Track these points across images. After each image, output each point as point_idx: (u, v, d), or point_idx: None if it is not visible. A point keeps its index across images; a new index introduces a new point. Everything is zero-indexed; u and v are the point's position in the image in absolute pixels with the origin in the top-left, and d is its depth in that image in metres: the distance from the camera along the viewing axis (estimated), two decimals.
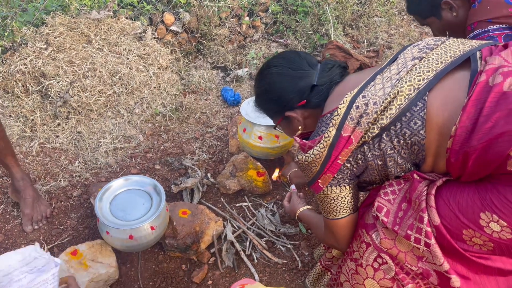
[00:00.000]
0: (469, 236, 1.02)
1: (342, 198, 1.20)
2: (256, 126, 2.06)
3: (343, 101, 1.11)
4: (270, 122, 2.05)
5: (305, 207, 1.72)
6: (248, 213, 2.05)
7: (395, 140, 1.07)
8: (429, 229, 1.06)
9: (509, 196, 0.94)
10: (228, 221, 1.98)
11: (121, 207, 1.71)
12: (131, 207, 1.71)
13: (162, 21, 3.01)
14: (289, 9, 3.58)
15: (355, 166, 1.15)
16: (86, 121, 2.42)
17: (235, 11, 3.27)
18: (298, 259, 1.85)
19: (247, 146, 2.13)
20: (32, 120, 2.36)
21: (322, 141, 1.12)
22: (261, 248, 1.89)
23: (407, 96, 1.05)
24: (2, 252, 1.83)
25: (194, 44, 3.18)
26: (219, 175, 2.17)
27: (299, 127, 1.35)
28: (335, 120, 1.11)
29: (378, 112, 1.06)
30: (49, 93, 2.37)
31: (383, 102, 1.06)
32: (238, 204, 2.09)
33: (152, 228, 1.68)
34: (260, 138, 2.06)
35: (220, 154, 2.39)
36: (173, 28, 3.04)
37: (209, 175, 2.20)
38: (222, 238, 1.91)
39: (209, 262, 1.86)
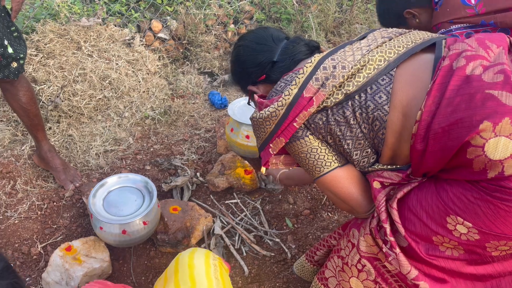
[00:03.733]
0: (440, 241, 1.02)
1: (317, 149, 1.13)
2: (243, 125, 2.14)
3: (310, 60, 1.08)
4: None
5: (281, 170, 1.83)
6: (236, 209, 2.13)
7: (358, 111, 1.05)
8: (392, 239, 1.06)
9: (469, 195, 0.93)
10: (218, 217, 2.05)
11: (114, 203, 1.77)
12: (123, 203, 1.77)
13: (150, 28, 3.09)
14: (273, 16, 3.70)
15: (312, 127, 1.10)
16: (77, 124, 2.48)
17: (220, 18, 3.37)
18: (286, 250, 1.92)
19: (235, 145, 2.21)
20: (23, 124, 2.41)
21: (281, 99, 1.08)
22: (249, 242, 1.96)
23: (376, 66, 1.04)
24: None
25: (181, 50, 3.26)
26: (208, 174, 2.24)
27: None
28: (298, 78, 1.07)
29: (345, 77, 1.04)
30: (40, 97, 2.42)
31: (352, 67, 1.04)
32: (227, 201, 2.17)
33: (144, 223, 1.74)
34: (247, 137, 2.15)
35: (209, 155, 2.46)
36: (160, 35, 3.13)
37: (198, 174, 2.28)
38: (211, 233, 1.98)
39: None
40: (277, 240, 1.98)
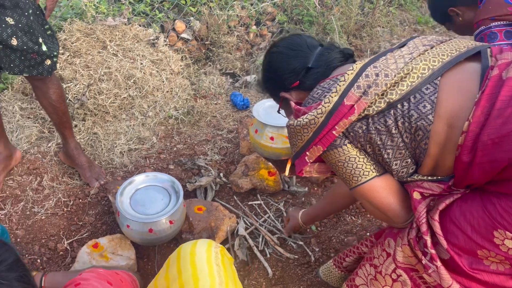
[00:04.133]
0: (485, 255, 0.99)
1: (355, 158, 1.10)
2: (267, 127, 2.14)
3: (352, 67, 1.06)
4: (281, 122, 2.15)
5: (301, 210, 1.81)
6: (259, 211, 2.12)
7: (400, 121, 1.02)
8: (433, 251, 1.04)
9: None
10: (241, 218, 2.06)
11: (141, 202, 1.78)
12: (150, 202, 1.78)
13: (174, 29, 3.11)
14: (294, 18, 3.70)
15: (352, 135, 1.08)
16: (101, 123, 2.51)
17: (243, 20, 3.38)
18: (310, 253, 1.92)
19: (259, 147, 2.20)
20: (50, 121, 2.44)
21: (320, 106, 1.06)
22: (273, 244, 1.96)
23: (420, 75, 1.02)
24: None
25: (203, 51, 3.28)
26: (231, 174, 2.25)
27: None
28: (339, 86, 1.05)
29: (388, 85, 1.02)
30: (66, 95, 2.45)
31: (395, 76, 1.02)
32: (250, 202, 2.17)
33: (170, 222, 1.75)
34: (271, 138, 2.14)
35: (231, 155, 2.47)
36: (183, 35, 3.15)
37: (221, 174, 2.28)
38: (235, 234, 1.98)
39: None
40: (301, 243, 1.97)
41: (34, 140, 2.38)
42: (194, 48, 3.22)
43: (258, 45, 3.56)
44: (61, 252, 1.90)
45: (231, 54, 3.30)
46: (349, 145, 1.10)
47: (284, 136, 2.14)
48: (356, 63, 1.08)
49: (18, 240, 1.92)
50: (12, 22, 1.59)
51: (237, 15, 3.31)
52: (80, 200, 2.13)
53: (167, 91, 2.74)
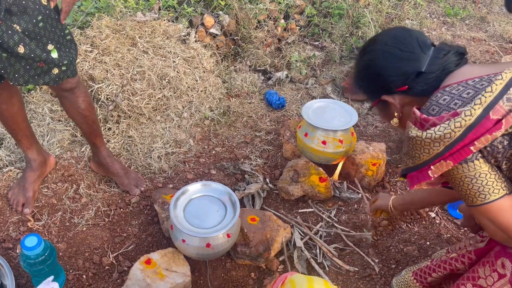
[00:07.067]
0: None
1: (486, 174, 1.00)
2: (319, 130, 2.02)
3: (501, 76, 0.95)
4: (333, 126, 2.03)
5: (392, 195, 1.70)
6: (311, 219, 2.01)
7: None
8: None
9: None
10: (295, 227, 1.94)
11: (195, 214, 1.66)
12: (205, 214, 1.66)
13: (203, 24, 2.97)
14: (323, 11, 3.56)
15: (488, 150, 0.98)
16: (136, 125, 2.37)
17: (271, 13, 3.24)
18: (373, 264, 1.81)
19: (309, 151, 2.09)
20: None
21: (459, 119, 0.95)
22: (331, 255, 1.85)
23: None
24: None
25: (232, 47, 3.14)
26: (278, 180, 2.13)
27: (395, 114, 1.20)
28: (485, 97, 0.94)
29: None
30: (98, 96, 2.32)
31: None
32: (300, 210, 2.05)
33: (228, 235, 1.64)
34: (323, 142, 2.02)
35: (274, 159, 2.35)
36: (212, 30, 3.00)
37: (267, 180, 2.16)
38: (291, 245, 1.87)
39: (278, 270, 1.82)
40: (369, 234, 1.87)
41: (66, 144, 2.25)
42: (222, 44, 3.08)
43: (286, 40, 3.42)
44: (107, 267, 1.78)
45: (259, 49, 3.16)
46: (481, 160, 0.99)
47: (337, 140, 2.02)
48: (504, 71, 0.96)
49: (60, 254, 1.80)
50: (20, 29, 1.44)
51: (266, 8, 3.16)
52: (122, 210, 2.01)
53: (201, 91, 2.61)
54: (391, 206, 1.72)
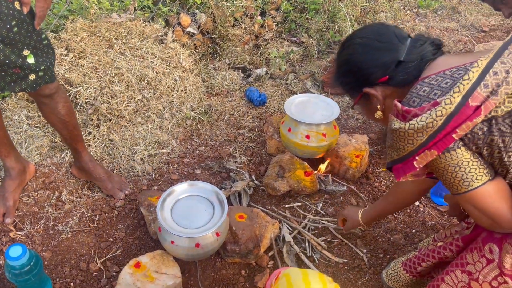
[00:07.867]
0: None
1: (468, 162, 1.01)
2: (302, 125, 2.03)
3: (477, 64, 0.96)
4: (316, 120, 2.04)
5: (360, 210, 1.72)
6: (299, 213, 2.02)
7: None
8: None
9: None
10: (283, 223, 1.95)
11: (183, 214, 1.65)
12: (193, 214, 1.65)
13: (179, 23, 2.94)
14: (299, 7, 3.57)
15: (469, 138, 1.00)
16: (116, 128, 2.34)
17: (248, 10, 3.23)
18: (362, 255, 1.83)
19: (293, 146, 2.09)
20: None
21: (440, 108, 0.96)
22: (320, 248, 1.86)
23: None
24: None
25: (210, 45, 3.12)
26: (264, 176, 2.13)
27: (378, 107, 1.20)
28: (463, 85, 0.95)
29: None
30: (77, 100, 2.27)
31: None
32: (287, 205, 2.06)
33: (217, 234, 1.63)
34: (307, 137, 2.03)
35: (258, 156, 2.35)
36: (189, 29, 2.98)
37: (253, 177, 2.16)
38: (280, 240, 1.87)
39: (268, 265, 1.82)
40: (351, 245, 1.88)
41: (45, 151, 2.20)
42: (200, 43, 3.06)
43: (263, 36, 3.42)
44: (94, 273, 1.75)
45: (237, 47, 3.15)
46: (462, 148, 1.00)
47: (320, 133, 2.04)
48: (480, 58, 0.98)
49: (46, 263, 1.76)
50: None
51: (243, 5, 3.15)
52: (107, 214, 1.97)
53: (182, 90, 2.59)
54: (362, 223, 1.73)
